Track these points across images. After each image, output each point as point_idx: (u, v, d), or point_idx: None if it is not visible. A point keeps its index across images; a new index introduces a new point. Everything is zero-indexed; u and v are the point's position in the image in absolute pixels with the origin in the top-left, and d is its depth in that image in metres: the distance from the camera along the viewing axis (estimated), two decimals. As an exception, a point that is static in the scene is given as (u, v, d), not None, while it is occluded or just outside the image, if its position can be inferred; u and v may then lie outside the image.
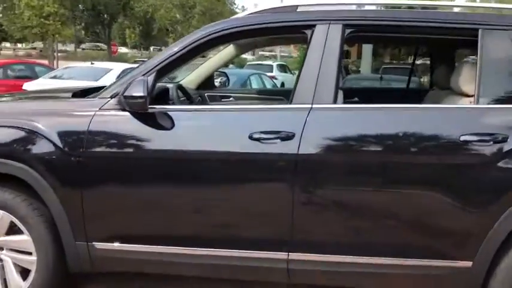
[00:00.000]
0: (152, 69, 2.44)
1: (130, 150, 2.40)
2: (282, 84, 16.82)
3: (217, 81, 4.30)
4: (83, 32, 48.45)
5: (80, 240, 2.46)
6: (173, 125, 2.41)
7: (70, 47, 49.58)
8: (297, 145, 2.28)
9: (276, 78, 17.05)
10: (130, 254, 2.46)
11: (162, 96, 2.80)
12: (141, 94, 2.26)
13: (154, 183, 2.41)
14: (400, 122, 2.32)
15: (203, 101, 3.91)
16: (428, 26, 2.43)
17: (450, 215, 2.24)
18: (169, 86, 2.90)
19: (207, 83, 3.98)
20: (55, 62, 23.55)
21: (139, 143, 2.40)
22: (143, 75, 2.41)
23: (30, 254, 2.50)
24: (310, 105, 2.34)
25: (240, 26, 2.51)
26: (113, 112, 2.43)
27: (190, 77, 4.00)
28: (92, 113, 2.43)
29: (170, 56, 2.47)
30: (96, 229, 2.46)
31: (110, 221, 2.47)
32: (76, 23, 36.52)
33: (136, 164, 2.42)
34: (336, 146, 2.32)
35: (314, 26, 2.43)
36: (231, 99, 4.01)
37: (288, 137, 2.29)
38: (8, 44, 56.55)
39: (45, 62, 16.07)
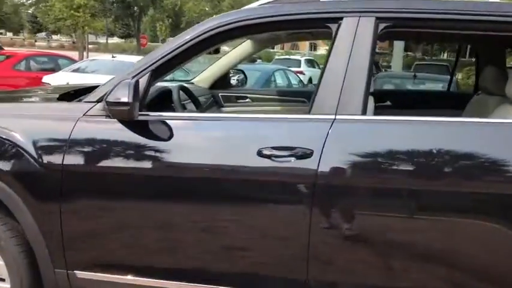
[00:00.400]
0: (146, 68, 2.05)
1: (117, 166, 2.02)
2: (310, 80, 16.34)
3: (234, 79, 3.89)
4: (115, 24, 48.94)
5: (59, 267, 2.11)
6: (167, 136, 2.02)
7: (102, 39, 50.09)
8: (315, 165, 1.86)
9: (303, 74, 16.61)
10: (118, 287, 2.10)
11: (161, 100, 2.42)
12: (125, 100, 1.87)
13: (142, 205, 2.04)
14: (449, 140, 1.88)
15: (216, 102, 3.52)
16: (486, 21, 1.96)
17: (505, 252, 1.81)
18: (172, 87, 2.51)
19: (221, 82, 3.59)
20: (84, 54, 23.64)
21: (127, 158, 2.02)
22: (134, 76, 2.03)
23: (3, 280, 2.17)
24: (333, 116, 1.91)
25: (251, 19, 2.08)
26: (98, 119, 2.05)
27: (203, 75, 3.62)
28: (75, 120, 2.06)
29: (169, 53, 2.07)
30: (77, 256, 2.10)
31: (93, 247, 2.11)
32: (106, 15, 36.66)
33: (123, 184, 2.04)
34: (365, 167, 1.88)
35: (340, 19, 2.00)
36: (247, 100, 3.61)
37: (305, 154, 1.87)
38: (42, 36, 57.78)
39: (71, 54, 15.96)
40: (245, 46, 3.43)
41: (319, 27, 2.11)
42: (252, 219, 1.98)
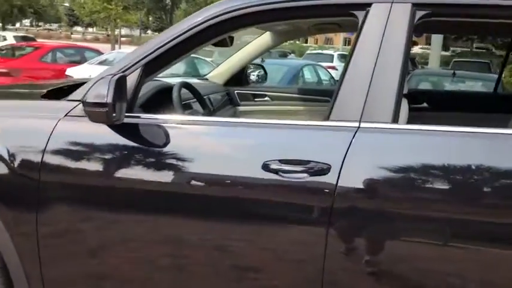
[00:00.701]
0: (136, 63, 1.75)
1: (100, 177, 1.73)
2: (342, 76, 15.79)
3: (255, 74, 3.55)
4: (148, 18, 49.32)
5: (35, 290, 1.84)
6: (157, 143, 1.71)
7: (137, 33, 50.53)
8: (332, 184, 1.51)
9: (336, 69, 16.12)
10: None
11: (160, 100, 2.11)
12: (103, 101, 1.56)
13: (127, 222, 1.74)
14: (503, 157, 1.50)
15: (231, 101, 3.20)
16: None
17: None
18: (173, 84, 2.20)
19: (238, 78, 3.26)
20: (116, 47, 23.76)
21: (111, 167, 1.72)
22: (124, 71, 1.73)
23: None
24: (356, 124, 1.56)
25: (262, 4, 1.74)
26: (81, 121, 1.74)
27: (218, 70, 3.30)
28: (55, 121, 1.77)
29: (165, 44, 1.75)
30: (56, 279, 1.83)
31: (72, 270, 1.82)
32: (138, 7, 36.85)
33: (107, 197, 1.75)
34: (393, 188, 1.53)
35: (368, 5, 1.64)
36: (266, 98, 3.27)
37: (321, 170, 1.53)
38: (79, 28, 58.93)
39: (104, 47, 15.96)
40: (265, 38, 3.09)
41: (343, 15, 1.76)
42: (258, 239, 1.65)
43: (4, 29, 35.43)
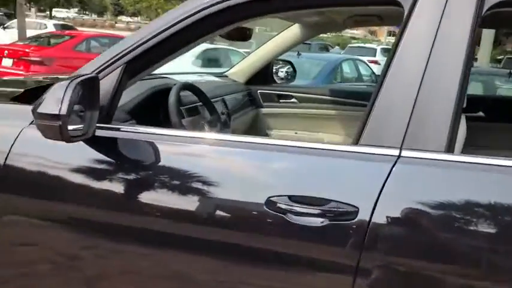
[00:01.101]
0: (115, 61, 1.38)
1: (61, 201, 1.39)
2: (384, 71, 15.08)
3: (283, 71, 3.14)
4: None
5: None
6: (136, 165, 1.34)
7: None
8: (360, 233, 1.10)
9: (378, 64, 15.43)
10: None
11: (156, 105, 1.75)
12: (55, 112, 1.20)
13: (95, 259, 1.39)
14: None
15: (253, 102, 2.81)
16: None
17: None
18: (173, 85, 1.82)
19: (262, 76, 2.87)
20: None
21: (78, 190, 1.37)
22: (98, 72, 1.36)
23: None
24: (396, 153, 1.14)
25: None
26: None
27: (239, 66, 2.91)
28: (18, 130, 1.43)
29: (151, 38, 1.37)
30: None
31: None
32: (180, -3, 36.81)
33: (72, 228, 1.40)
34: (445, 245, 1.10)
35: None
36: (292, 100, 2.86)
37: (345, 214, 1.12)
38: (124, 18, 59.97)
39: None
40: (293, 31, 2.68)
41: (384, 3, 1.33)
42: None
43: (51, 17, 36.22)
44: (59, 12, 47.28)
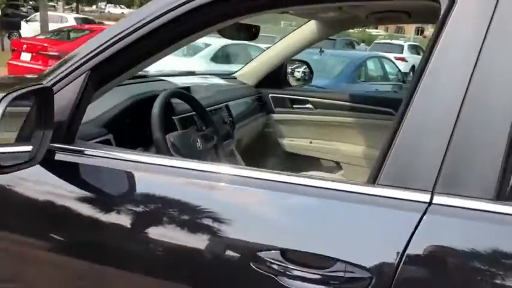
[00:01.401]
0: (76, 68, 1.11)
1: (17, 234, 1.14)
2: (412, 68, 14.58)
3: (299, 72, 2.85)
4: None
5: None
6: (92, 196, 1.08)
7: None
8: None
9: (405, 61, 14.93)
10: None
11: (137, 117, 1.49)
12: None
13: None
14: None
15: (264, 107, 2.54)
16: None
17: None
18: (160, 92, 1.55)
19: (274, 78, 2.59)
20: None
21: (34, 222, 1.12)
22: (57, 81, 1.11)
23: None
24: (427, 197, 0.84)
25: None
26: None
27: (249, 67, 2.64)
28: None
29: (124, 37, 1.10)
30: None
31: None
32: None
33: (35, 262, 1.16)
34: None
35: None
36: (308, 105, 2.57)
37: (354, 281, 0.83)
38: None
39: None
40: (309, 28, 2.38)
41: None
42: None
43: (78, 11, 36.48)
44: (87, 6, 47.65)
